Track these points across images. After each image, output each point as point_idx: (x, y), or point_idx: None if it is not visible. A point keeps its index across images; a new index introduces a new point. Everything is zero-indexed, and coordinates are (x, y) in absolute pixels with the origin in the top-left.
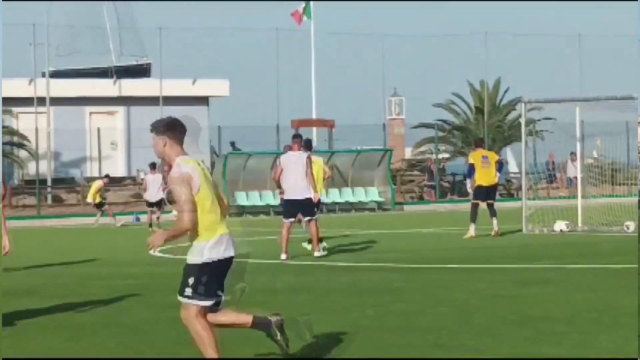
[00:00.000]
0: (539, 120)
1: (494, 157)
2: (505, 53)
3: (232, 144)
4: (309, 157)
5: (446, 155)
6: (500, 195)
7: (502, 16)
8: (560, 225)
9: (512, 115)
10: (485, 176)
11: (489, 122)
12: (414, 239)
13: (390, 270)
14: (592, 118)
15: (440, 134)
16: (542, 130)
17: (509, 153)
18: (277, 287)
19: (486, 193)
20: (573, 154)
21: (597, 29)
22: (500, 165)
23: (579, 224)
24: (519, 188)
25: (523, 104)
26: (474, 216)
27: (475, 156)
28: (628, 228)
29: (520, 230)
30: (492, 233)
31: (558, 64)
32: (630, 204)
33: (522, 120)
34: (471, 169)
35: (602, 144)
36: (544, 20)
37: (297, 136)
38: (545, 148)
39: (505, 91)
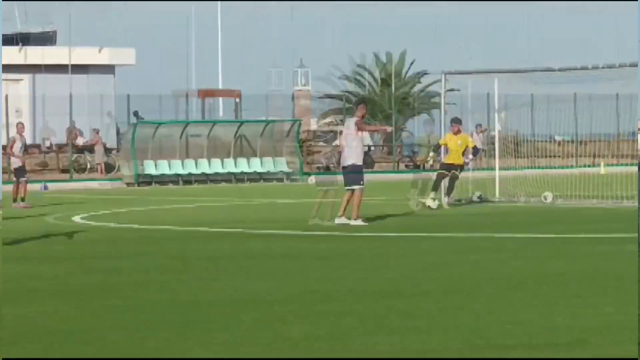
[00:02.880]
0: (450, 90)
1: (469, 143)
2: (412, 25)
3: (135, 113)
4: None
5: None
6: (406, 166)
7: None
8: (475, 195)
9: (418, 87)
10: (456, 156)
11: (395, 94)
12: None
13: (325, 239)
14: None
15: (347, 105)
16: (448, 103)
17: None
18: (215, 255)
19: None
20: (479, 125)
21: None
22: (476, 151)
23: (496, 195)
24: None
25: (443, 75)
26: (436, 185)
27: (450, 139)
28: (546, 199)
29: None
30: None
31: (463, 37)
32: (544, 175)
33: (442, 92)
34: (440, 148)
35: (506, 116)
36: None
37: None
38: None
39: (411, 63)
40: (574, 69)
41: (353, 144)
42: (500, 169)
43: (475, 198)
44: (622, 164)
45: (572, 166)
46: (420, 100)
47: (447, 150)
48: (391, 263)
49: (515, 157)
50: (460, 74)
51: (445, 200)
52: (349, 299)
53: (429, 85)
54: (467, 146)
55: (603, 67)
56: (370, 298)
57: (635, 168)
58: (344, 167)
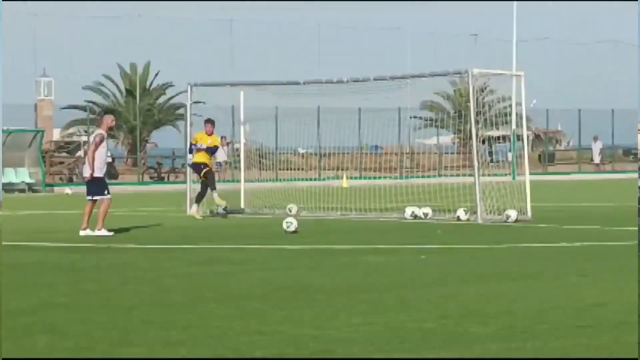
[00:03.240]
0: (196, 102)
1: (218, 143)
2: (157, 37)
3: None
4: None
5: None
6: (151, 178)
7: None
8: (222, 207)
9: (163, 98)
10: (205, 156)
11: (139, 105)
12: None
13: (74, 250)
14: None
15: (92, 116)
16: (194, 114)
17: (155, 137)
18: None
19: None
20: (223, 137)
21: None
22: (213, 150)
23: (242, 206)
24: (171, 171)
25: (189, 87)
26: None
27: (202, 138)
28: (290, 211)
29: (184, 212)
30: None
31: (208, 49)
32: (288, 187)
33: (188, 103)
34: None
35: (249, 129)
36: (194, 7)
37: None
38: (197, 132)
39: (156, 75)
40: (319, 82)
41: (95, 155)
42: (245, 181)
43: (220, 210)
44: (364, 177)
45: (315, 178)
46: (165, 112)
47: (198, 149)
48: (133, 275)
49: (259, 170)
50: (206, 85)
51: (194, 208)
52: (96, 311)
53: (174, 96)
54: (215, 146)
55: (348, 81)
56: (119, 310)
57: (372, 181)
58: (84, 178)
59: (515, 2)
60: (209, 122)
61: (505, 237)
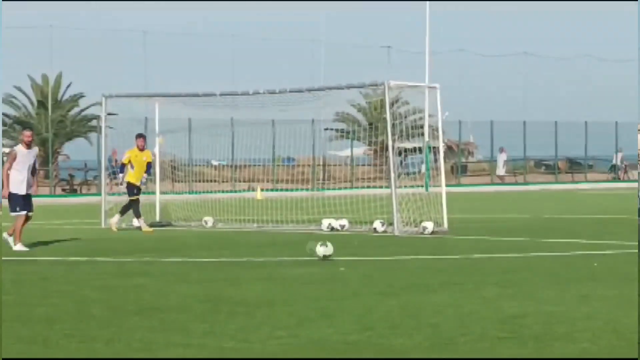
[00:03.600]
0: (110, 114)
1: (150, 158)
2: (69, 48)
3: None
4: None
5: (6, 150)
6: (63, 190)
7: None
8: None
9: (75, 110)
10: (140, 174)
11: (51, 117)
12: None
13: None
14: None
15: (3, 127)
16: (107, 126)
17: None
18: None
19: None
20: None
21: (162, 26)
22: (149, 166)
23: (157, 218)
24: (83, 183)
25: (104, 98)
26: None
27: (136, 156)
28: (207, 223)
29: (99, 224)
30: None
31: (120, 60)
32: (202, 199)
33: (103, 115)
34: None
35: (163, 140)
36: (107, 17)
37: None
38: (110, 144)
39: (68, 86)
40: (236, 94)
41: (9, 172)
42: (159, 193)
43: (135, 223)
44: (278, 189)
45: (229, 191)
46: (77, 124)
47: (132, 167)
48: (52, 288)
49: (172, 182)
50: (120, 97)
51: (116, 218)
52: (15, 325)
53: (86, 108)
54: (149, 162)
55: (264, 93)
56: (39, 323)
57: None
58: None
59: (427, 14)
60: (141, 136)
61: (423, 248)
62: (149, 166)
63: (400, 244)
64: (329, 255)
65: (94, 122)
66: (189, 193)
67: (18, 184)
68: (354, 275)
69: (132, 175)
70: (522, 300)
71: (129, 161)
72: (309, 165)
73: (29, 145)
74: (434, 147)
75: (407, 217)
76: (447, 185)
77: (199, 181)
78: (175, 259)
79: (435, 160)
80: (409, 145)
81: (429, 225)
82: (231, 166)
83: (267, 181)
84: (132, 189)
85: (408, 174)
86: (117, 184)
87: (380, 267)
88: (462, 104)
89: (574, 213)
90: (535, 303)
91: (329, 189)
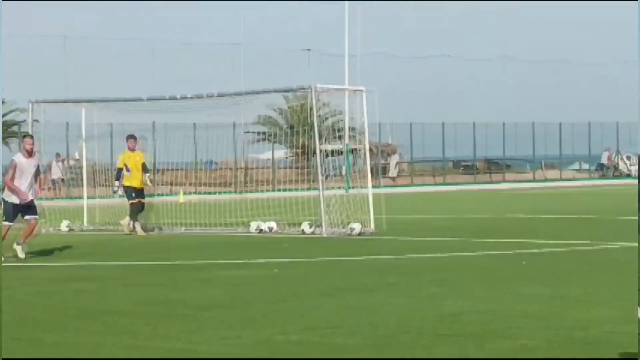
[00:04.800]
0: (24, 121)
1: (144, 159)
2: None
3: None
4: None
5: None
6: None
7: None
8: (64, 225)
9: None
10: (138, 176)
11: None
12: None
13: None
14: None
15: None
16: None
17: None
18: None
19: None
20: (58, 154)
21: (83, 31)
22: (145, 167)
23: (84, 223)
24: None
25: (30, 104)
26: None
27: (130, 157)
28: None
29: None
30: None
31: (41, 66)
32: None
33: (30, 120)
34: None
35: (85, 145)
36: (30, 22)
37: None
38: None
39: None
40: (162, 99)
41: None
42: (82, 197)
43: (63, 228)
44: (200, 192)
45: (151, 195)
46: None
47: (127, 170)
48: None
49: (94, 186)
50: (47, 102)
51: (135, 225)
52: None
53: (7, 114)
54: (143, 162)
55: (191, 97)
56: None
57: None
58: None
59: (346, 16)
60: (132, 137)
61: (353, 249)
62: (145, 166)
63: (330, 245)
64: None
65: (14, 128)
66: (112, 197)
67: (10, 192)
68: (289, 277)
69: (128, 179)
70: (458, 299)
71: (125, 165)
72: (230, 169)
73: (30, 154)
74: (355, 149)
75: (335, 218)
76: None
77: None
78: (112, 262)
79: (354, 164)
80: (331, 147)
81: (357, 226)
82: (152, 170)
83: (189, 184)
84: (130, 193)
85: (331, 175)
86: (114, 192)
87: (314, 268)
88: (382, 106)
89: (496, 213)
90: (471, 301)
91: (251, 191)
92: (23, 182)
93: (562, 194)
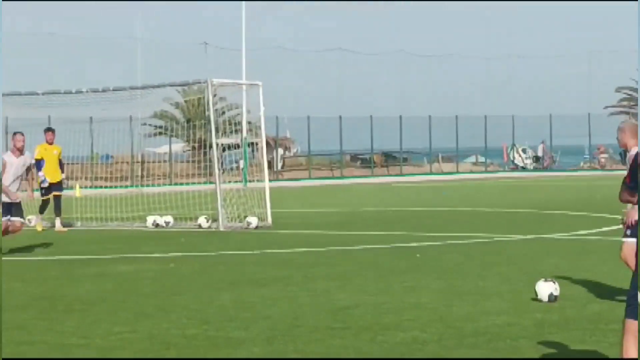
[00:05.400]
0: None
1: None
2: None
3: None
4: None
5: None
6: None
7: None
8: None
9: None
10: (55, 170)
11: None
12: None
13: None
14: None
15: None
16: None
17: None
18: None
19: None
20: None
21: None
22: (61, 163)
23: None
24: None
25: None
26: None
27: (46, 150)
28: (30, 222)
29: None
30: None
31: None
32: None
33: None
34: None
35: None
36: None
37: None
38: None
39: None
40: (57, 93)
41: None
42: None
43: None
44: (96, 187)
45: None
46: None
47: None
48: None
49: None
50: None
51: (58, 222)
52: None
53: None
54: (59, 158)
55: (87, 91)
56: None
57: None
58: None
59: (243, 11)
60: (50, 130)
61: (249, 243)
62: (61, 163)
63: (227, 240)
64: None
65: None
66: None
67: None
68: (185, 271)
69: (55, 173)
70: (351, 292)
71: (42, 157)
72: (127, 163)
73: (21, 151)
74: (252, 143)
75: (232, 212)
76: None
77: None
78: (7, 257)
79: (253, 157)
80: (227, 141)
81: (253, 221)
82: None
83: (85, 179)
84: (41, 188)
85: (229, 169)
86: (39, 183)
87: (210, 262)
88: (278, 100)
89: (392, 206)
90: (364, 294)
91: (148, 185)
92: (13, 181)
93: (459, 187)
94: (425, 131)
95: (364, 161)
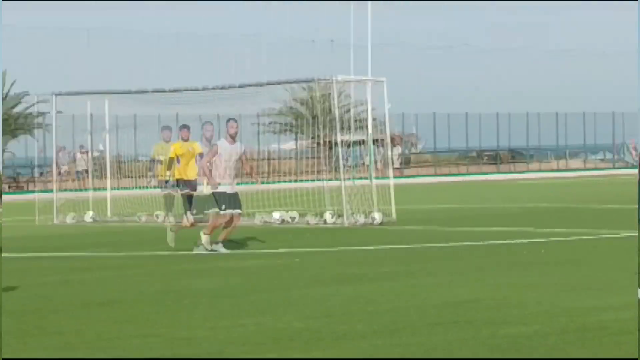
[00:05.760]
0: (48, 113)
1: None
2: (11, 47)
3: None
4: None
5: None
6: (9, 187)
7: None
8: (89, 216)
9: (19, 108)
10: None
11: None
12: None
13: None
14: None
15: None
16: (48, 124)
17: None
18: None
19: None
20: (82, 146)
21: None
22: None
23: (108, 214)
24: (30, 180)
25: (54, 96)
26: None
27: (181, 147)
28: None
29: (51, 221)
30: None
31: (66, 58)
32: (153, 195)
33: (53, 113)
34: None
35: (107, 137)
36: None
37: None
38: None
39: (12, 84)
40: (184, 90)
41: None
42: (105, 189)
43: (87, 219)
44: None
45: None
46: (21, 121)
47: (178, 162)
48: (12, 284)
49: (118, 178)
50: (71, 94)
51: (189, 218)
52: None
53: (31, 105)
54: (197, 154)
55: (213, 89)
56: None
57: None
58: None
59: (369, 7)
60: (185, 127)
61: (373, 238)
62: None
63: (351, 235)
64: None
65: (39, 119)
66: (134, 189)
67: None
68: (309, 266)
69: (178, 170)
70: (473, 286)
71: (176, 155)
72: (253, 159)
73: (233, 138)
74: (377, 140)
75: (356, 208)
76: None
77: (145, 177)
78: (134, 253)
79: (379, 153)
80: (353, 137)
81: (378, 216)
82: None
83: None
84: (179, 185)
85: (354, 165)
86: (165, 182)
87: (334, 257)
88: (404, 96)
89: (517, 202)
90: (486, 288)
91: (272, 182)
92: (225, 169)
93: (586, 184)
94: (552, 128)
95: (490, 158)
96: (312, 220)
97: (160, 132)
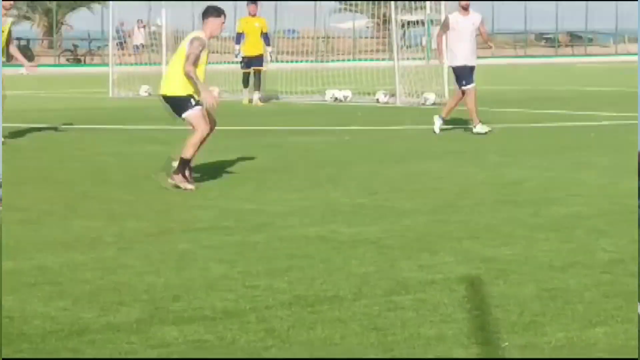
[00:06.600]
0: None
1: (265, 27)
2: None
3: None
4: None
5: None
6: (67, 60)
7: None
8: (143, 89)
9: None
10: (256, 44)
11: None
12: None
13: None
14: None
15: None
16: None
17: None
18: None
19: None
20: (140, 20)
21: None
22: (267, 38)
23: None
24: (87, 53)
25: None
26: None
27: (247, 23)
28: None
29: (106, 94)
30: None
31: None
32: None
33: None
34: (240, 37)
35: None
36: None
37: None
38: (117, 16)
39: None
40: None
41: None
42: (158, 64)
43: (142, 93)
44: (280, 61)
45: (231, 62)
46: None
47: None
48: (68, 154)
49: (174, 52)
50: None
51: (256, 96)
52: (38, 186)
53: None
54: (264, 31)
55: None
56: (60, 185)
57: None
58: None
59: None
60: (253, 2)
61: (425, 119)
62: (267, 37)
63: (403, 115)
64: None
65: None
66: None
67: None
68: (359, 144)
69: (252, 48)
70: (521, 167)
71: (242, 31)
72: (311, 38)
73: (466, 10)
74: (434, 20)
75: (409, 88)
76: None
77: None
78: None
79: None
80: (410, 17)
81: (431, 97)
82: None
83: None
84: (241, 62)
85: (410, 46)
86: (235, 56)
87: (384, 136)
88: None
89: (574, 85)
90: (533, 170)
91: (331, 61)
92: (461, 45)
93: None
94: (612, 12)
95: (548, 40)
96: (364, 99)
97: (246, 6)
